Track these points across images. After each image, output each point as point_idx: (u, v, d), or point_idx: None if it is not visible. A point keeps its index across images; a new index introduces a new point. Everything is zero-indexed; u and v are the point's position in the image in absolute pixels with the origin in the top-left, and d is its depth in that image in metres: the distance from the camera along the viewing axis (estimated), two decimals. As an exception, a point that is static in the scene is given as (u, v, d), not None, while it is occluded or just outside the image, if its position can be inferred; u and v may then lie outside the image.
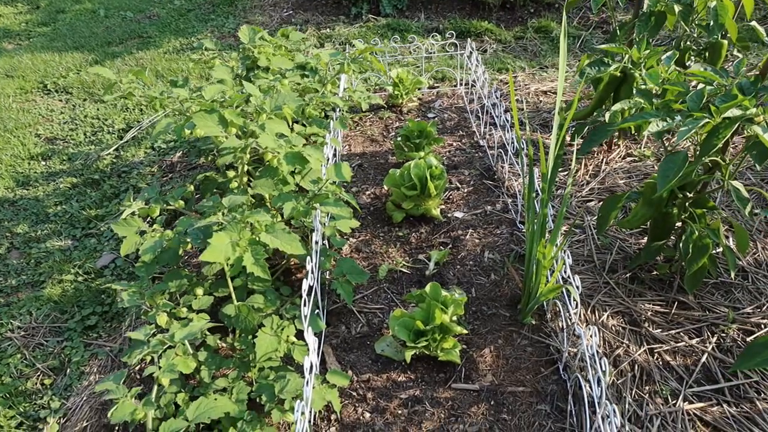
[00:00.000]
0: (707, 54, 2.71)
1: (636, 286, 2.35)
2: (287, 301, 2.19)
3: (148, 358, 1.98)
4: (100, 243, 2.92)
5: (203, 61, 3.06)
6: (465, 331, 2.09)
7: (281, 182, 2.24)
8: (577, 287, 1.88)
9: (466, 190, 3.00)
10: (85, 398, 2.14)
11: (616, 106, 2.08)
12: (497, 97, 3.02)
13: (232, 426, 1.74)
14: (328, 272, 2.37)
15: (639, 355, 2.08)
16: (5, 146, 3.72)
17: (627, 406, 1.92)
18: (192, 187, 2.37)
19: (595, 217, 2.65)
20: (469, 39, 3.76)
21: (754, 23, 2.66)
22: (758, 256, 2.45)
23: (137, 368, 2.20)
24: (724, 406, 1.92)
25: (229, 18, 5.48)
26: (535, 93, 3.88)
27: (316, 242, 2.12)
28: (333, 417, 1.97)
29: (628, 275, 2.40)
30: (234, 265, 1.87)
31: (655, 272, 2.40)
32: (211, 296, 2.07)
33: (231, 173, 2.38)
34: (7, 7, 6.20)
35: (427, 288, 2.16)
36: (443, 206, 2.89)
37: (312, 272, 1.95)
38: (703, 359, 2.06)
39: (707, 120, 1.70)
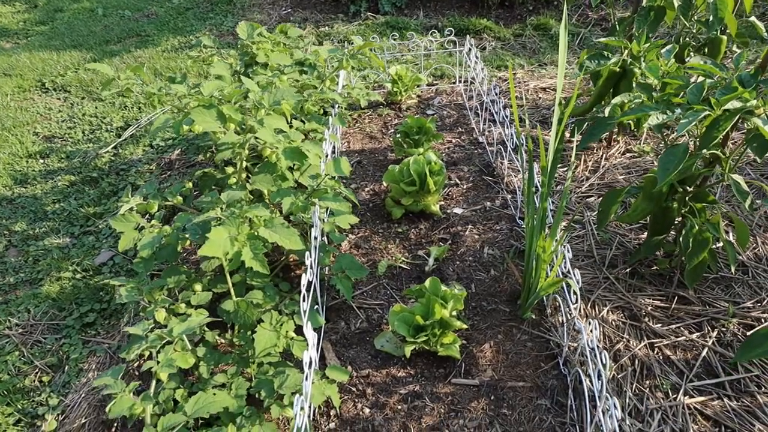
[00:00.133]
0: (706, 50, 2.71)
1: (636, 281, 2.34)
2: (286, 297, 2.18)
3: (147, 354, 1.97)
4: (98, 240, 2.91)
5: (201, 59, 3.06)
6: (465, 326, 2.08)
7: (280, 178, 2.24)
8: (577, 281, 1.87)
9: (465, 187, 2.99)
10: (83, 395, 2.13)
11: (616, 100, 2.07)
12: (496, 94, 3.01)
13: (231, 421, 1.73)
14: (327, 268, 2.36)
15: (639, 349, 2.08)
16: (3, 144, 3.71)
17: (627, 400, 1.91)
18: (190, 184, 2.36)
19: (595, 213, 2.65)
20: (468, 36, 3.75)
21: (753, 19, 2.65)
22: (758, 250, 2.45)
23: (136, 364, 2.19)
24: (725, 399, 1.91)
25: (227, 16, 5.47)
26: (534, 90, 3.88)
27: (315, 238, 2.11)
28: (332, 412, 1.96)
29: (628, 270, 2.39)
30: (233, 260, 1.87)
31: (655, 267, 2.39)
32: (210, 292, 2.07)
33: (229, 169, 2.38)
34: (5, 6, 6.19)
35: (427, 283, 2.14)
36: (442, 202, 2.89)
37: (311, 268, 1.94)
38: (704, 353, 2.05)
39: (707, 112, 1.69)
